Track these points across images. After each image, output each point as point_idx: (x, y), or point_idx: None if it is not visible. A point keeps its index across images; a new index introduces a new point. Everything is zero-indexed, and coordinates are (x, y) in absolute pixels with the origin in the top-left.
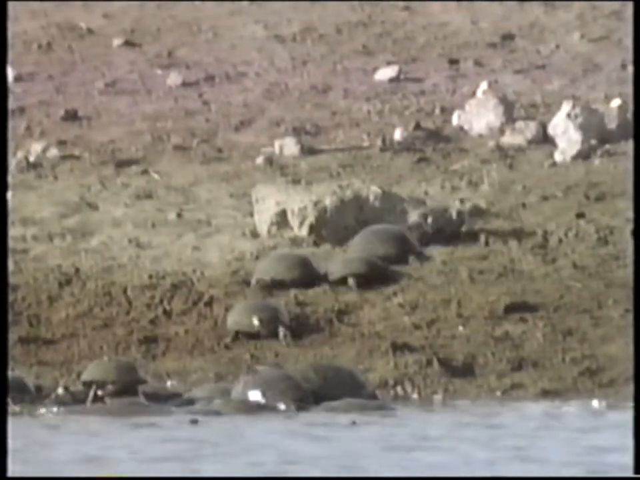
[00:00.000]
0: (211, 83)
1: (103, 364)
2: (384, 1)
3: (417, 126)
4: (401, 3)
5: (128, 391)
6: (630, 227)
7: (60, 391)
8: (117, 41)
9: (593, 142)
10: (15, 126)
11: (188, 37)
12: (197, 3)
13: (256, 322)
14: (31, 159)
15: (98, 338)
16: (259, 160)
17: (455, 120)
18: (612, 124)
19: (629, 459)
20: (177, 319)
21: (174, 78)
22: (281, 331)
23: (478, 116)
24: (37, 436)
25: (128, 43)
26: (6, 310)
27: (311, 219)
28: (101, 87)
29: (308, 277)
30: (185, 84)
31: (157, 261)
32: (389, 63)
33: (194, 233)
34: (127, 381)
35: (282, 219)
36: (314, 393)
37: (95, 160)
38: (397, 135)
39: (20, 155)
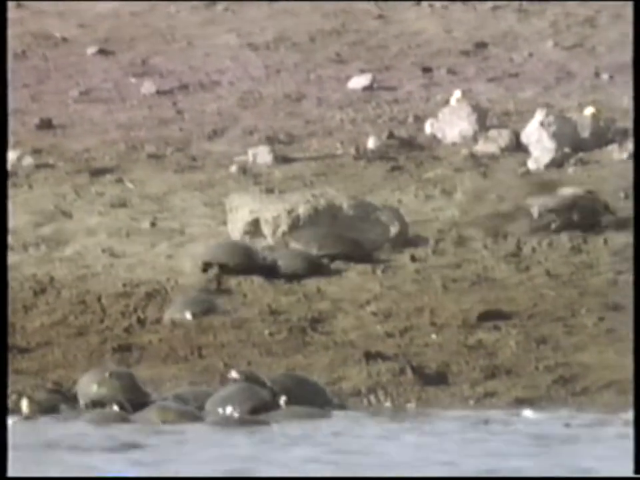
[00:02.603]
0: (184, 91)
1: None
2: (358, 2)
3: (391, 134)
4: (375, 12)
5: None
6: (603, 236)
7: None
8: (91, 50)
9: (567, 150)
10: None
11: (162, 45)
12: (172, 11)
13: (189, 316)
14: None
15: (72, 346)
16: (233, 169)
17: (428, 128)
18: (585, 132)
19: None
20: (150, 327)
21: (148, 86)
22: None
23: (451, 124)
24: None
25: (102, 52)
26: (5, 312)
27: (284, 227)
28: (75, 95)
29: (250, 264)
30: (159, 92)
31: (131, 270)
32: (362, 72)
33: (168, 241)
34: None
35: (255, 228)
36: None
37: (70, 169)
38: (371, 143)
39: None
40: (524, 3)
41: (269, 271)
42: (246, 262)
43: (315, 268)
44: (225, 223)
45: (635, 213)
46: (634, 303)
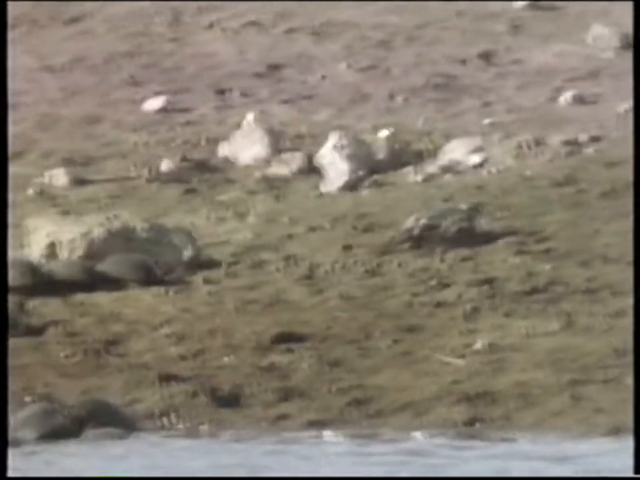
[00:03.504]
0: None
1: None
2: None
3: (184, 157)
4: (169, 34)
5: None
6: (396, 260)
7: None
8: None
9: (361, 172)
10: None
11: None
12: None
13: None
14: None
15: None
16: (30, 191)
17: (221, 151)
18: (380, 154)
19: None
20: None
21: None
22: None
23: (244, 147)
24: None
25: None
26: (6, 310)
27: (79, 250)
28: None
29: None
30: None
31: None
32: (157, 94)
33: None
34: None
35: (52, 251)
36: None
37: None
38: (164, 165)
39: None
40: (316, 26)
41: (58, 290)
42: (30, 281)
43: (106, 288)
44: (23, 245)
45: (634, 211)
46: (634, 309)
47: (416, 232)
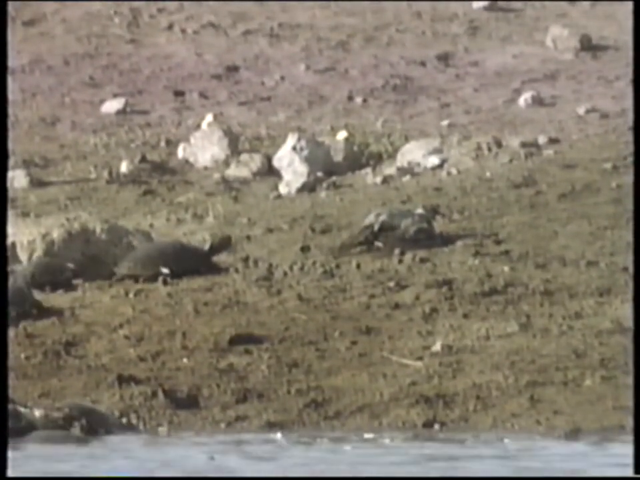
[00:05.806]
0: None
1: None
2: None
3: (143, 158)
4: (127, 36)
5: None
6: (354, 261)
7: None
8: None
9: (319, 174)
10: None
11: None
12: None
13: None
14: None
15: None
16: None
17: (180, 152)
18: (338, 156)
19: None
20: None
21: None
22: None
23: (203, 148)
24: None
25: None
26: (6, 310)
27: (39, 252)
28: None
29: None
30: None
31: None
32: (115, 95)
33: None
34: None
35: (12, 252)
36: None
37: None
38: (123, 167)
39: None
40: (274, 27)
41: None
42: None
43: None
44: None
45: (635, 212)
46: (633, 310)
47: (376, 227)
